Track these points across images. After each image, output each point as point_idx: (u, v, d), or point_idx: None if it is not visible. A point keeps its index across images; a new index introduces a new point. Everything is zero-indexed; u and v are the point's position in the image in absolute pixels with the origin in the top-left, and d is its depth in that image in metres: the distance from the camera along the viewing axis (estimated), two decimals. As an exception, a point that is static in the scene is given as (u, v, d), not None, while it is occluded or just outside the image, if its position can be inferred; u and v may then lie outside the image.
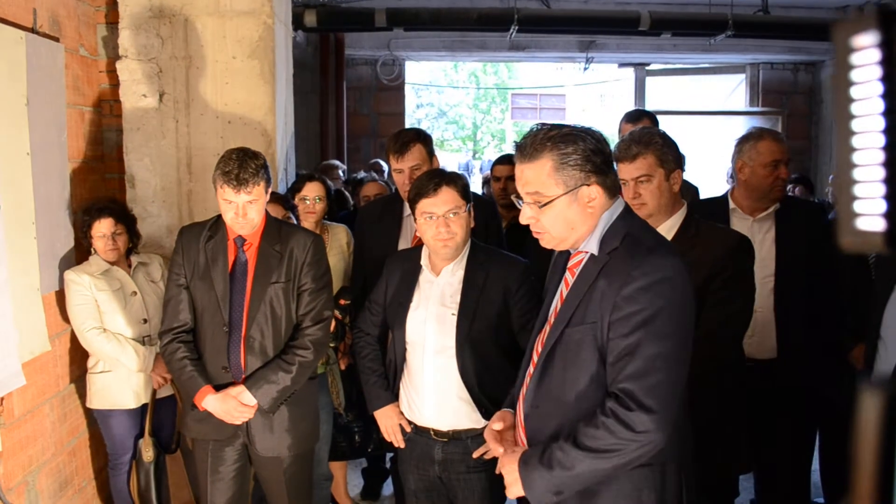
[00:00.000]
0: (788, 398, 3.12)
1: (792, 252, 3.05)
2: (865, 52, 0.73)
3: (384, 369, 2.72)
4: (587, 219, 1.78)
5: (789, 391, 3.11)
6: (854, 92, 0.74)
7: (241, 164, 2.62)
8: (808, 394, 3.17)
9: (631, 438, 1.65)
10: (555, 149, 1.74)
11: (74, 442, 3.37)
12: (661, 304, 1.67)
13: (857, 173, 0.74)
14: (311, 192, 3.47)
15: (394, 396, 2.67)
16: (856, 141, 0.74)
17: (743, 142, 3.15)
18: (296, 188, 3.52)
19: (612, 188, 1.81)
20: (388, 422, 2.66)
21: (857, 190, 0.74)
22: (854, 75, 0.74)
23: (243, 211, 2.65)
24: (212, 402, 2.72)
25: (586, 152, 1.74)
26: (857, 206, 0.74)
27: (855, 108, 0.74)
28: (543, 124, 1.82)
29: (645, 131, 2.60)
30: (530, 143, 1.77)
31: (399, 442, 2.65)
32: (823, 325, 3.15)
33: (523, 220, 1.83)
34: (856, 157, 0.74)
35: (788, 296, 3.05)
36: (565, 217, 1.77)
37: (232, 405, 2.70)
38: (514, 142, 1.84)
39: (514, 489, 1.83)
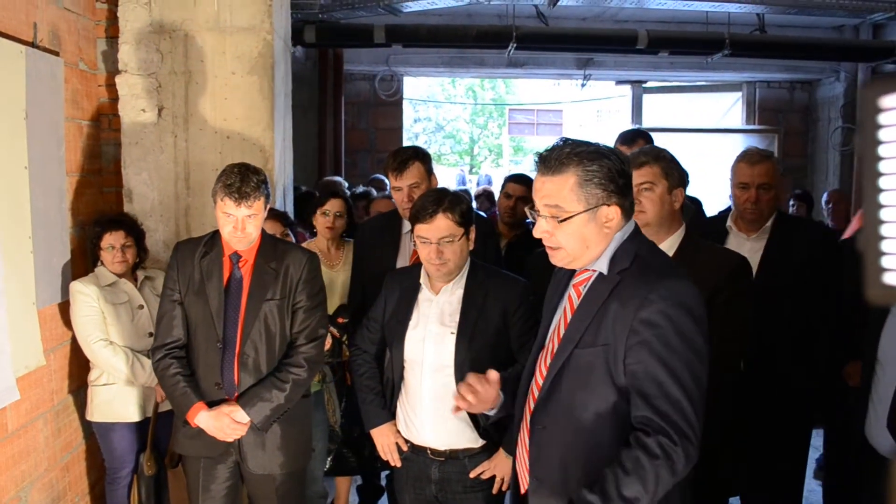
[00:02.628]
0: (764, 411, 3.11)
1: (776, 271, 3.05)
2: (893, 112, 0.75)
3: (381, 387, 2.71)
4: (602, 239, 1.77)
5: (765, 404, 3.10)
6: (882, 150, 0.75)
7: (243, 178, 2.63)
8: (794, 407, 3.16)
9: (679, 471, 1.65)
10: (581, 164, 1.72)
11: (68, 457, 3.35)
12: (681, 329, 1.67)
13: (884, 229, 0.75)
14: (334, 208, 3.57)
15: (391, 415, 2.66)
16: (883, 198, 0.75)
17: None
18: (319, 202, 3.59)
19: (629, 211, 1.80)
20: (384, 440, 2.64)
21: (885, 245, 0.75)
22: (882, 134, 0.75)
23: (242, 225, 2.66)
24: (204, 418, 2.70)
25: (611, 172, 1.73)
26: (885, 262, 0.75)
27: (882, 166, 0.75)
28: (568, 139, 1.80)
29: (657, 147, 2.66)
30: (556, 157, 1.75)
31: (395, 461, 2.64)
32: (816, 341, 3.14)
33: (537, 233, 1.81)
34: (883, 214, 0.75)
35: (762, 315, 3.05)
36: (582, 234, 1.75)
37: (225, 422, 2.69)
38: (537, 153, 1.81)
39: None
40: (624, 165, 1.77)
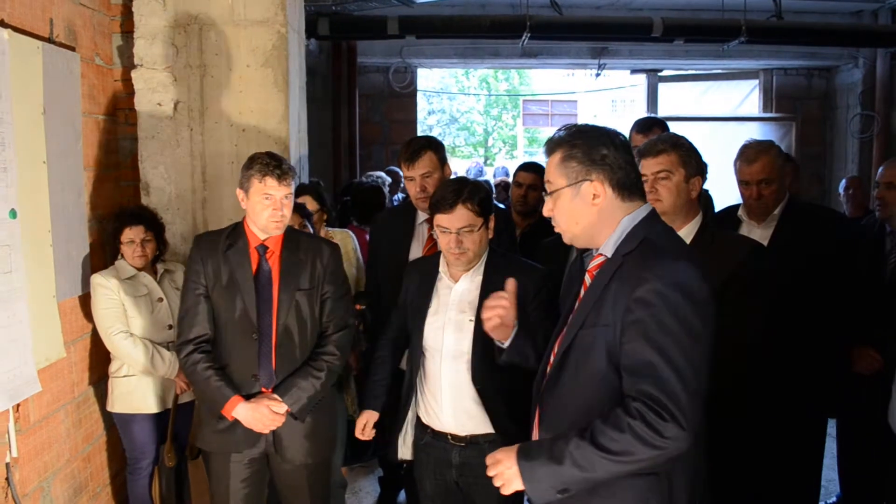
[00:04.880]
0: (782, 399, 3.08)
1: (783, 258, 3.02)
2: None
3: (388, 375, 2.77)
4: (593, 215, 1.81)
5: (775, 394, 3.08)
6: None
7: (279, 159, 2.70)
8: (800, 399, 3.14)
9: (656, 444, 1.62)
10: (565, 143, 1.83)
11: (89, 448, 3.39)
12: (675, 309, 1.66)
13: None
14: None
15: (381, 404, 2.75)
16: None
17: None
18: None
19: (627, 188, 1.81)
20: (363, 420, 2.73)
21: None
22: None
23: (281, 205, 2.69)
24: (243, 410, 2.70)
25: (590, 148, 1.80)
26: None
27: None
28: (571, 125, 1.90)
29: (675, 135, 2.66)
30: (551, 139, 1.88)
31: (367, 436, 2.72)
32: (824, 329, 3.13)
33: (545, 210, 1.90)
34: None
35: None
36: (569, 210, 1.83)
37: (264, 413, 2.71)
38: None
39: (512, 484, 1.77)
40: (613, 143, 1.81)
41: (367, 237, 4.59)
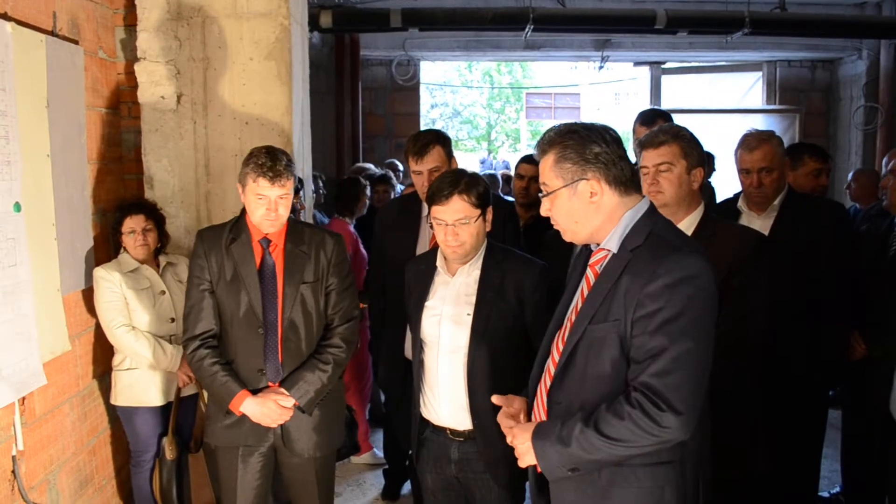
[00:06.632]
0: (782, 389, 3.09)
1: (782, 248, 3.03)
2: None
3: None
4: (592, 213, 1.82)
5: (782, 382, 3.09)
6: None
7: (274, 158, 2.66)
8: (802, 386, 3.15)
9: (653, 433, 1.68)
10: (557, 144, 1.83)
11: (94, 441, 3.40)
12: (685, 303, 1.68)
13: None
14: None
15: None
16: None
17: None
18: None
19: (624, 184, 1.83)
20: None
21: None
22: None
23: (275, 206, 2.67)
24: (251, 405, 2.71)
25: (585, 148, 1.80)
26: None
27: None
28: (561, 123, 1.89)
29: (676, 126, 2.65)
30: (543, 140, 1.88)
31: None
32: (823, 318, 3.14)
33: (543, 210, 1.91)
34: None
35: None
36: (568, 210, 1.84)
37: (271, 408, 2.71)
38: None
39: (525, 458, 1.87)
40: (606, 140, 1.82)
41: (352, 228, 4.65)
